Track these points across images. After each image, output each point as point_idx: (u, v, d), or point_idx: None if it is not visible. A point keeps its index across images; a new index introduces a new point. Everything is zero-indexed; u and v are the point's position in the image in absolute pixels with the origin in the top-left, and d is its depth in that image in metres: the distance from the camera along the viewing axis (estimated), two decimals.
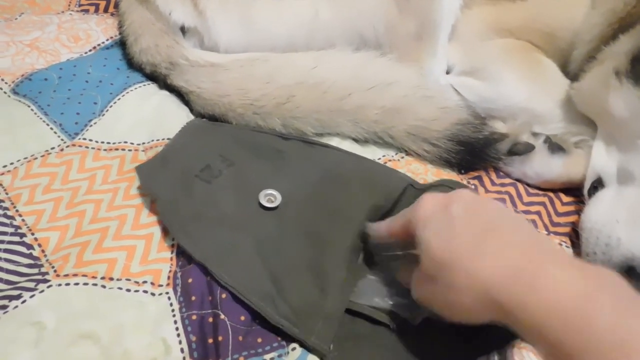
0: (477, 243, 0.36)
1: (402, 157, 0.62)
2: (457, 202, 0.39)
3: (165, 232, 0.51)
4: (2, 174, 0.55)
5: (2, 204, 0.52)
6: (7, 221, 0.51)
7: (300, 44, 0.66)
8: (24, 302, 0.44)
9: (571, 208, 0.61)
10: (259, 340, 0.44)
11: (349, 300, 0.46)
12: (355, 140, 0.63)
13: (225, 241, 0.49)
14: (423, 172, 0.61)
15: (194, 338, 0.44)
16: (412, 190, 0.54)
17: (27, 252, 0.49)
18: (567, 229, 0.58)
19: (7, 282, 0.46)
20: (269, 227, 0.50)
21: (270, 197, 0.52)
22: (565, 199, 0.62)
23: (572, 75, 0.65)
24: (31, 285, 0.45)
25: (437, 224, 0.39)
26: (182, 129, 0.60)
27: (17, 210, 0.52)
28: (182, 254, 0.49)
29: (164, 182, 0.53)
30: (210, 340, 0.44)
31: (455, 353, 0.44)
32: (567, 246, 0.56)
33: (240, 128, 0.62)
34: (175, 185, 0.53)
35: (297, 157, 0.57)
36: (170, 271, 0.49)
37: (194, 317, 0.45)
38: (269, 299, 0.45)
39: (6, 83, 0.64)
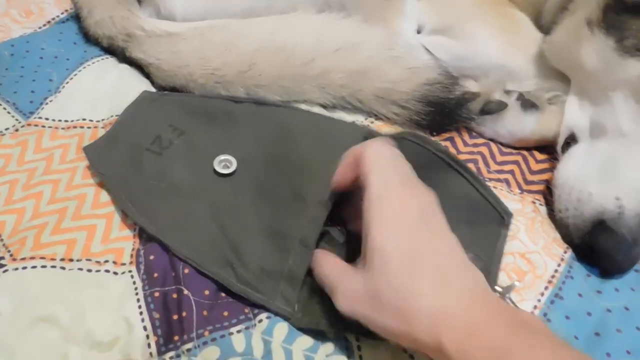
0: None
1: (372, 122, 0.61)
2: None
3: None
4: None
5: None
6: None
7: (260, 9, 0.63)
8: None
9: (545, 166, 0.59)
10: (225, 313, 0.43)
11: (310, 259, 0.44)
12: (324, 106, 0.61)
13: (180, 212, 0.48)
14: None
15: (157, 315, 0.43)
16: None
17: None
18: (540, 187, 0.57)
19: None
20: (225, 193, 0.49)
21: (226, 162, 0.51)
22: (539, 156, 0.61)
23: (546, 29, 0.63)
24: None
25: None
26: (131, 103, 0.58)
27: None
28: (145, 231, 0.48)
29: (113, 159, 0.52)
30: (175, 317, 0.43)
31: None
32: (540, 204, 0.55)
33: (190, 95, 0.60)
34: (125, 161, 0.52)
35: (250, 119, 0.55)
36: (133, 249, 0.47)
37: (157, 294, 0.44)
38: (228, 267, 0.44)
39: None
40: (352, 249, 0.45)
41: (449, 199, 0.45)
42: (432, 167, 0.48)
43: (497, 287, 0.43)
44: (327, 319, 0.42)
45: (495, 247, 0.46)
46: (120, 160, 0.52)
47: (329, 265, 0.41)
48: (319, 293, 0.43)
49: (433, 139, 0.60)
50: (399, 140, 0.50)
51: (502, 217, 0.47)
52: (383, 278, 0.35)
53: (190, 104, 0.58)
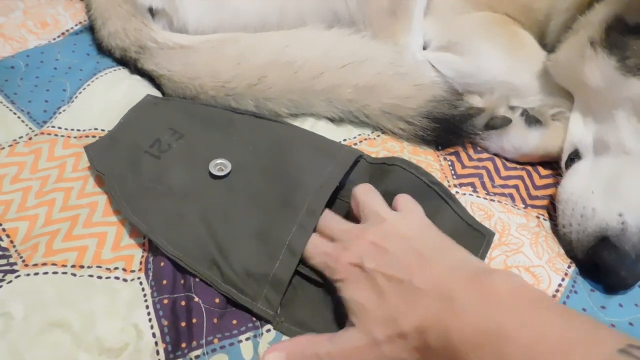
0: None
1: (378, 136, 0.62)
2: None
3: None
4: None
5: None
6: None
7: (271, 23, 0.64)
8: None
9: (549, 181, 0.60)
10: (234, 322, 0.44)
11: (296, 265, 0.45)
12: (331, 120, 0.62)
13: (171, 212, 0.49)
14: (399, 150, 0.60)
15: (165, 322, 0.43)
16: (364, 164, 0.54)
17: None
18: (544, 202, 0.58)
19: None
20: (218, 196, 0.50)
21: (221, 166, 0.52)
22: (543, 172, 0.61)
23: (550, 48, 0.64)
24: None
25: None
26: (134, 106, 0.60)
27: None
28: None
29: (112, 160, 0.53)
30: (183, 324, 0.43)
31: None
32: (544, 219, 0.56)
33: (192, 102, 0.62)
34: (123, 162, 0.53)
35: (248, 128, 0.57)
36: (142, 256, 0.48)
37: (166, 301, 0.44)
38: (214, 267, 0.45)
39: None
40: None
41: (436, 226, 0.47)
42: (422, 197, 0.50)
43: None
44: (310, 326, 0.43)
45: None
46: (119, 160, 0.53)
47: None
48: (302, 299, 0.45)
49: (438, 153, 0.61)
50: (390, 166, 0.52)
51: (485, 237, 0.49)
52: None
53: (192, 109, 0.60)
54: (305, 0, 0.65)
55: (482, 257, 0.48)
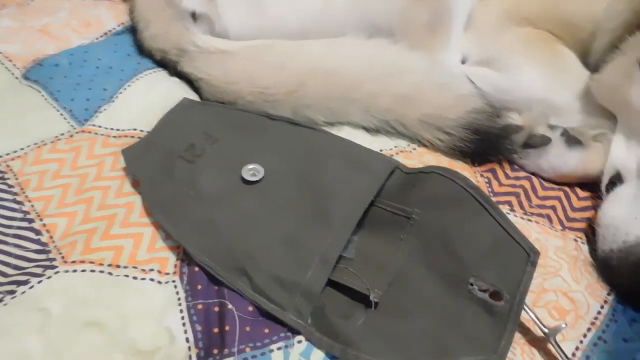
0: None
1: (414, 149, 0.61)
2: None
3: None
4: (13, 159, 0.55)
5: (11, 189, 0.52)
6: (17, 206, 0.51)
7: (311, 31, 0.64)
8: (31, 287, 0.44)
9: (587, 203, 0.59)
10: (266, 330, 0.44)
11: (329, 275, 0.45)
12: (367, 129, 0.62)
13: (203, 219, 0.49)
14: (435, 164, 0.59)
15: (199, 328, 0.43)
16: (400, 174, 0.53)
17: (36, 237, 0.49)
18: (582, 225, 0.57)
19: (16, 267, 0.46)
20: (250, 201, 0.50)
21: (254, 171, 0.52)
22: (582, 193, 0.60)
23: (593, 67, 0.63)
24: (39, 271, 0.46)
25: None
26: (170, 110, 0.60)
27: (26, 196, 0.52)
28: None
29: (147, 164, 0.54)
30: (216, 330, 0.43)
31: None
32: (582, 242, 0.55)
33: (227, 106, 0.62)
34: (158, 167, 0.53)
35: (282, 134, 0.57)
36: (177, 259, 0.48)
37: (200, 306, 0.45)
38: (244, 275, 0.45)
39: (18, 68, 0.65)
40: (361, 264, 0.46)
41: (475, 235, 0.46)
42: (460, 202, 0.49)
43: (544, 329, 0.42)
44: (342, 337, 0.42)
45: (519, 284, 0.45)
46: (153, 164, 0.54)
47: None
48: (332, 308, 0.44)
49: (474, 169, 0.60)
50: (427, 174, 0.52)
51: (528, 255, 0.47)
52: None
53: (227, 114, 0.60)
54: (346, 10, 0.65)
55: (528, 280, 0.46)
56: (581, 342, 0.45)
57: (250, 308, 0.44)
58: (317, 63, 0.60)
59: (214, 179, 0.52)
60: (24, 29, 0.68)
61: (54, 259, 0.47)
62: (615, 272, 0.50)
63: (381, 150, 0.59)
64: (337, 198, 0.49)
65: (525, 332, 0.45)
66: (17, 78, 0.64)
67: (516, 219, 0.55)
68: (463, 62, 0.69)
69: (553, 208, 0.58)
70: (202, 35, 0.66)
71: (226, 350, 0.42)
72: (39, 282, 0.45)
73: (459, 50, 0.68)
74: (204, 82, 0.63)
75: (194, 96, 0.65)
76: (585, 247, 0.54)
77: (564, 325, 0.43)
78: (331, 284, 0.46)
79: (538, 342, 0.45)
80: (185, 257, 0.48)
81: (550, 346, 0.43)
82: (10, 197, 0.52)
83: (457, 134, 0.58)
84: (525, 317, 0.45)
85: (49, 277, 0.45)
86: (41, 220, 0.50)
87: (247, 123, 0.59)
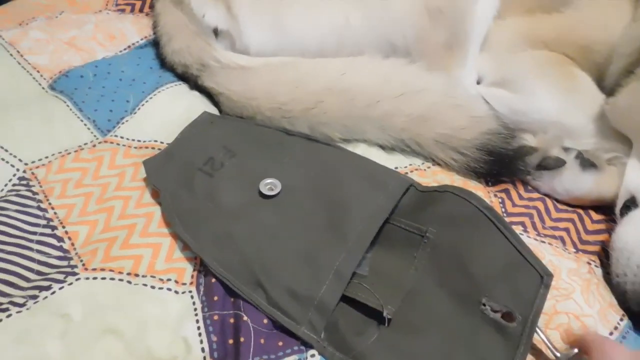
0: None
1: (429, 167, 0.62)
2: None
3: None
4: (37, 167, 0.57)
5: (36, 196, 0.54)
6: (40, 213, 0.53)
7: (330, 50, 0.66)
8: (53, 293, 0.46)
9: (601, 226, 0.59)
10: (280, 343, 0.45)
11: (343, 290, 0.46)
12: (382, 147, 0.63)
13: (220, 231, 0.50)
14: (449, 183, 0.60)
15: (215, 338, 0.44)
16: (414, 192, 0.54)
17: (58, 244, 0.50)
18: (596, 248, 0.57)
19: (39, 272, 0.48)
20: (267, 215, 0.51)
21: (271, 185, 0.53)
22: (595, 216, 0.60)
23: (608, 90, 0.64)
24: (61, 277, 0.47)
25: None
26: (190, 123, 0.62)
27: (49, 203, 0.54)
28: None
29: (167, 175, 0.55)
30: (231, 341, 0.44)
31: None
32: (596, 265, 0.55)
33: (246, 121, 0.63)
34: (178, 179, 0.55)
35: (300, 149, 0.58)
36: (194, 270, 0.49)
37: (216, 317, 0.45)
38: (259, 288, 0.46)
39: (45, 79, 0.67)
40: (374, 281, 0.47)
41: (488, 255, 0.46)
42: (474, 222, 0.49)
43: (556, 353, 0.42)
44: (353, 352, 0.43)
45: (532, 306, 0.45)
46: (173, 176, 0.55)
47: None
48: (345, 323, 0.45)
49: (488, 189, 0.61)
50: (442, 193, 0.52)
51: (542, 277, 0.47)
52: None
53: (246, 128, 0.61)
54: (364, 30, 0.66)
55: (541, 302, 0.46)
56: None
57: (265, 320, 0.45)
58: (334, 81, 0.62)
59: (232, 192, 0.53)
60: (53, 41, 0.70)
61: (75, 266, 0.48)
62: (629, 296, 0.50)
63: (396, 168, 0.60)
64: (353, 214, 0.50)
65: (538, 354, 0.46)
66: (43, 88, 0.66)
67: (529, 240, 0.55)
68: (478, 82, 0.70)
69: (567, 230, 0.58)
70: (223, 51, 0.68)
71: None
72: (61, 288, 0.46)
73: (475, 70, 0.69)
74: (224, 96, 0.65)
75: (213, 110, 0.66)
76: (598, 271, 0.54)
77: (575, 351, 0.43)
78: (345, 299, 0.46)
79: None
80: (202, 268, 0.49)
81: None
82: (34, 204, 0.53)
83: (471, 154, 0.59)
84: (537, 339, 0.45)
85: (70, 284, 0.46)
86: (63, 227, 0.52)
87: (265, 138, 0.60)
